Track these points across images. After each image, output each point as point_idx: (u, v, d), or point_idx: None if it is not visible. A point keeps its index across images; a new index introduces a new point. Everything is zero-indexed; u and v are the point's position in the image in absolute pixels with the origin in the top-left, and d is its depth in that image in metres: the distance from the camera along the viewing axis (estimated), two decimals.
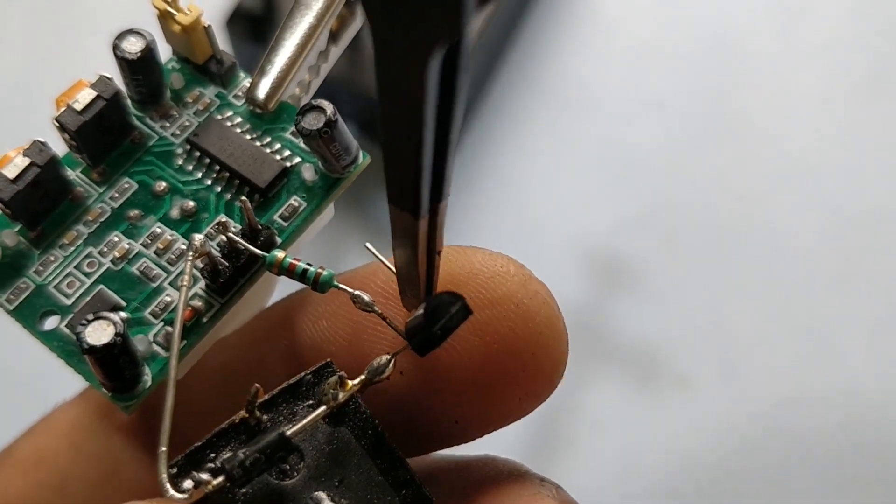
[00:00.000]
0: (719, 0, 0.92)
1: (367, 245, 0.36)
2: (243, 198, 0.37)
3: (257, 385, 0.33)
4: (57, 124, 0.38)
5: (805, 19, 0.91)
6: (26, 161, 0.37)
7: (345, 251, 0.75)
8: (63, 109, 0.38)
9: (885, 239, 0.83)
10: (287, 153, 0.40)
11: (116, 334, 0.33)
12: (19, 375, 0.66)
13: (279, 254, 0.36)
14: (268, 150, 0.40)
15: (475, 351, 0.35)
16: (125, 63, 0.40)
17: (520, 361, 0.35)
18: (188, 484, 0.31)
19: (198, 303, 0.37)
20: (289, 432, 0.32)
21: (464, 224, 0.83)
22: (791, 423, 0.77)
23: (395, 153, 0.28)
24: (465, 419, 0.37)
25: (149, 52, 0.40)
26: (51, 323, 0.37)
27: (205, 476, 0.31)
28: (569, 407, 0.77)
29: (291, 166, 0.40)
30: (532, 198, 0.84)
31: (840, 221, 0.83)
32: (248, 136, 0.40)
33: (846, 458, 0.76)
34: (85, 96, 0.39)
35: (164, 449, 0.32)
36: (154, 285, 0.38)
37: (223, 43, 0.73)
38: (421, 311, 0.34)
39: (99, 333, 0.33)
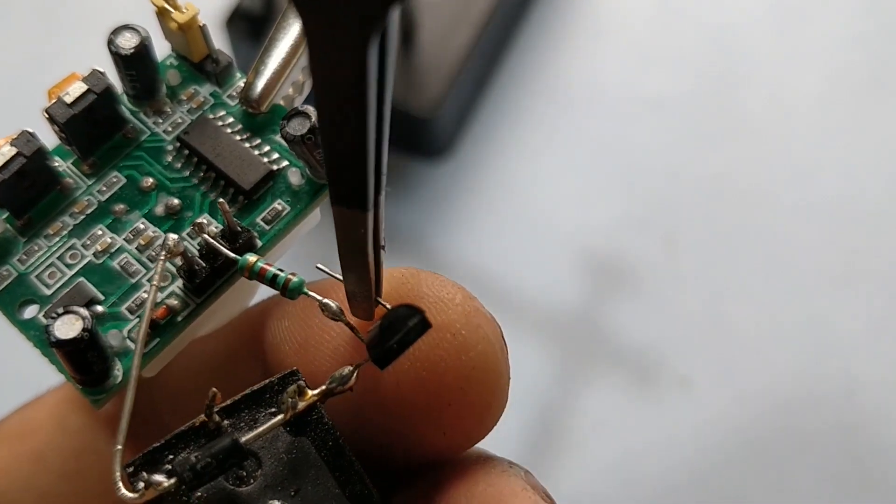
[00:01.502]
0: (719, 0, 0.91)
1: (319, 266, 0.35)
2: (221, 199, 0.36)
3: (214, 389, 0.31)
4: (47, 116, 0.37)
5: (805, 19, 0.90)
6: (13, 151, 0.36)
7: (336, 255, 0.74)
8: (53, 101, 0.37)
9: (885, 239, 0.81)
10: (275, 156, 0.39)
11: (84, 329, 0.32)
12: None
13: (251, 258, 0.34)
14: (256, 153, 0.38)
15: (404, 374, 0.33)
16: (119, 58, 0.38)
17: (446, 394, 0.33)
18: (142, 484, 0.30)
19: (174, 301, 0.36)
20: (243, 439, 0.31)
21: (464, 225, 0.82)
22: (791, 423, 0.75)
23: (339, 148, 0.27)
24: (391, 444, 0.35)
25: (143, 49, 0.38)
26: (30, 312, 0.36)
27: (156, 477, 0.30)
28: (569, 407, 0.76)
29: (278, 170, 0.38)
30: (532, 198, 0.83)
31: (840, 221, 0.82)
32: (239, 137, 0.39)
33: (846, 457, 0.74)
34: (76, 89, 0.37)
35: (119, 447, 0.31)
36: (133, 281, 0.36)
37: (223, 43, 0.72)
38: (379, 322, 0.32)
39: (67, 328, 0.32)
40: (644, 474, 0.75)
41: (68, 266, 0.37)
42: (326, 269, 0.35)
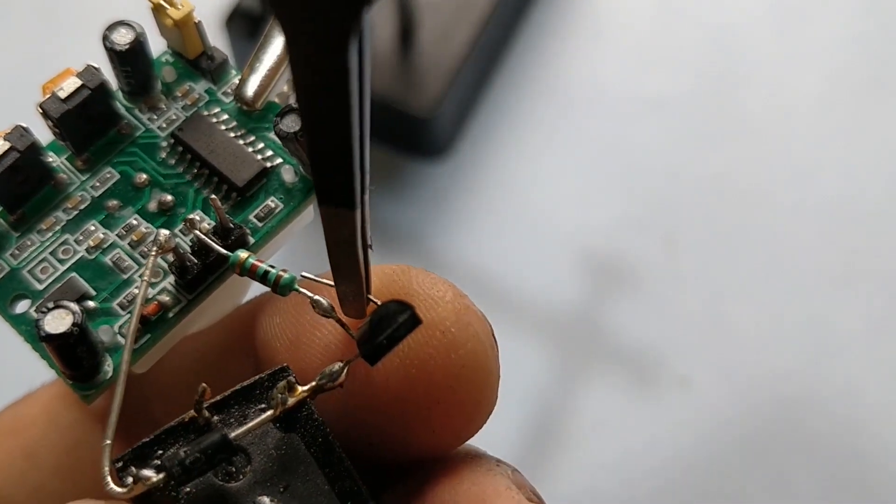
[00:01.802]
0: (720, 0, 0.90)
1: (304, 274, 0.34)
2: (213, 196, 0.36)
3: (204, 385, 0.31)
4: (41, 111, 0.37)
5: (805, 19, 0.89)
6: (6, 145, 0.36)
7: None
8: (48, 97, 0.37)
9: (885, 239, 0.81)
10: (269, 153, 0.38)
11: (73, 324, 0.32)
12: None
13: (242, 254, 0.34)
14: (250, 150, 0.38)
15: (394, 371, 0.33)
16: (114, 54, 0.38)
17: (436, 392, 0.32)
18: (130, 479, 0.30)
19: (165, 297, 0.36)
20: (232, 434, 0.31)
21: (464, 225, 0.81)
22: (791, 423, 0.75)
23: (324, 148, 0.27)
24: (380, 442, 0.34)
25: (138, 45, 0.38)
26: (21, 307, 0.36)
27: (145, 472, 0.30)
28: (569, 407, 0.76)
29: (272, 167, 0.38)
30: (532, 197, 0.82)
31: (840, 221, 0.82)
32: (233, 134, 0.39)
33: (846, 457, 0.74)
34: (70, 85, 0.37)
35: (108, 442, 0.31)
36: (124, 277, 0.36)
37: (223, 42, 0.72)
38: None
39: (57, 322, 0.32)
40: (644, 474, 0.75)
41: (61, 261, 0.37)
42: (312, 276, 0.34)
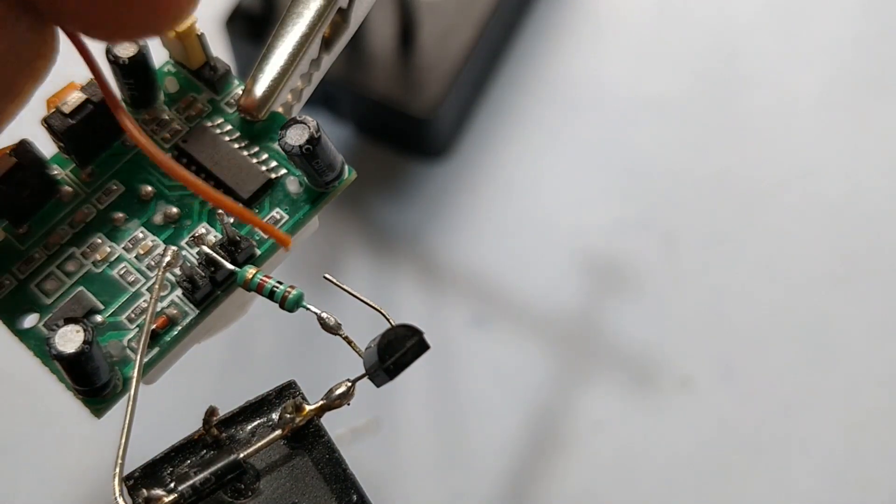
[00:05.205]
0: (720, 0, 0.91)
1: (326, 276, 0.35)
2: (220, 211, 0.36)
3: (213, 405, 0.32)
4: (45, 126, 0.38)
5: (805, 19, 0.89)
6: (12, 161, 0.36)
7: (341, 257, 0.74)
8: (52, 111, 0.38)
9: (886, 239, 0.81)
10: (273, 164, 0.39)
11: (85, 342, 0.32)
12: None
13: (249, 271, 0.35)
14: (254, 161, 0.39)
15: None
16: (117, 66, 0.39)
17: None
18: (140, 499, 0.31)
19: (173, 310, 0.36)
20: (242, 454, 0.31)
21: (463, 225, 0.82)
22: (791, 423, 0.76)
23: None
24: None
25: (141, 57, 0.39)
26: (29, 321, 0.37)
27: (156, 492, 0.31)
28: (569, 407, 0.76)
29: (276, 178, 0.39)
30: (531, 198, 0.83)
31: (840, 221, 0.82)
32: (237, 145, 0.39)
33: (846, 457, 0.75)
34: (74, 99, 0.38)
35: (119, 461, 0.31)
36: (132, 290, 0.37)
37: (223, 43, 0.72)
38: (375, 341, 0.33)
39: (68, 340, 0.32)
40: (644, 474, 0.75)
41: (68, 275, 0.37)
42: (334, 280, 0.35)
